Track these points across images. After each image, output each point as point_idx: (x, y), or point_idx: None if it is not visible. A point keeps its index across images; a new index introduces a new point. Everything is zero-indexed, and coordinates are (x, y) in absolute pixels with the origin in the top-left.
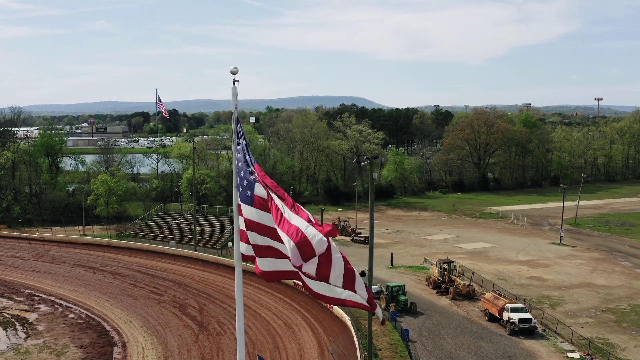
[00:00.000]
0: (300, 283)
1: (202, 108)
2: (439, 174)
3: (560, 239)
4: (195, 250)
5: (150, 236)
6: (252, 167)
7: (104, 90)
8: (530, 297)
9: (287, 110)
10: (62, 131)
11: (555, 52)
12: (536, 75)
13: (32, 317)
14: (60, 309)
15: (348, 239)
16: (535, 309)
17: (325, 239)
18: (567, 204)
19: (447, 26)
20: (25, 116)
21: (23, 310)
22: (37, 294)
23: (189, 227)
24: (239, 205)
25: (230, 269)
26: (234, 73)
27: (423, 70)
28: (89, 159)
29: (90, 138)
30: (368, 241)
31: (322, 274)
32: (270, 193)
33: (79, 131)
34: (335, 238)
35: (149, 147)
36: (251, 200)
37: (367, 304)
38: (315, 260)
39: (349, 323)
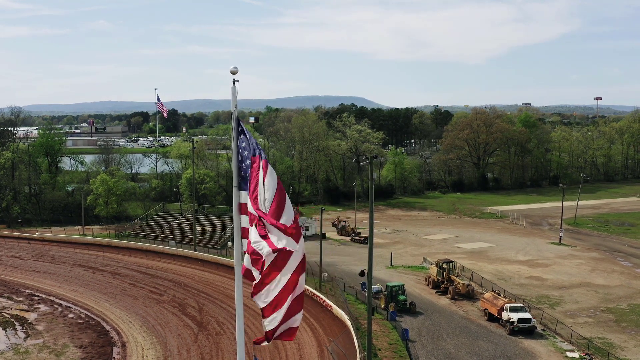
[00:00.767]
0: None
1: (201, 108)
2: (439, 174)
3: (560, 239)
4: (195, 250)
5: (150, 236)
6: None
7: (104, 90)
8: (529, 297)
9: (287, 110)
10: (61, 131)
11: (555, 52)
12: (536, 75)
13: (31, 317)
14: (60, 309)
15: (347, 238)
16: (534, 308)
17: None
18: (566, 203)
19: (447, 26)
20: (25, 116)
21: (22, 310)
22: (36, 294)
23: (188, 227)
24: (239, 205)
25: (230, 268)
26: (233, 73)
27: (423, 70)
28: (88, 158)
29: (90, 138)
30: (367, 241)
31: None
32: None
33: (78, 131)
34: (336, 238)
35: (148, 147)
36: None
37: None
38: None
39: (348, 323)
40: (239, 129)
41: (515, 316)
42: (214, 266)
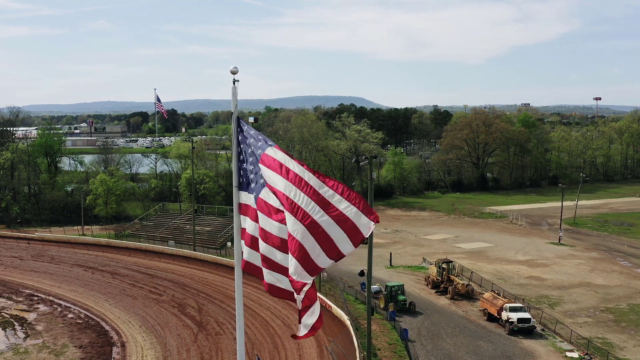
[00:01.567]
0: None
1: (201, 108)
2: (438, 174)
3: (559, 239)
4: (194, 250)
5: (149, 236)
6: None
7: (103, 90)
8: (529, 297)
9: (286, 110)
10: (60, 131)
11: (555, 52)
12: (535, 75)
13: (31, 317)
14: (59, 309)
15: None
16: (534, 308)
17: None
18: (565, 203)
19: (447, 26)
20: (24, 116)
21: (22, 310)
22: (36, 294)
23: (187, 227)
24: (239, 205)
25: (229, 268)
26: (234, 73)
27: (422, 70)
28: (87, 158)
29: (89, 138)
30: (367, 241)
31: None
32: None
33: (77, 131)
34: None
35: (147, 147)
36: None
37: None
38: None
39: (347, 323)
40: (238, 129)
41: (514, 316)
42: (214, 266)
